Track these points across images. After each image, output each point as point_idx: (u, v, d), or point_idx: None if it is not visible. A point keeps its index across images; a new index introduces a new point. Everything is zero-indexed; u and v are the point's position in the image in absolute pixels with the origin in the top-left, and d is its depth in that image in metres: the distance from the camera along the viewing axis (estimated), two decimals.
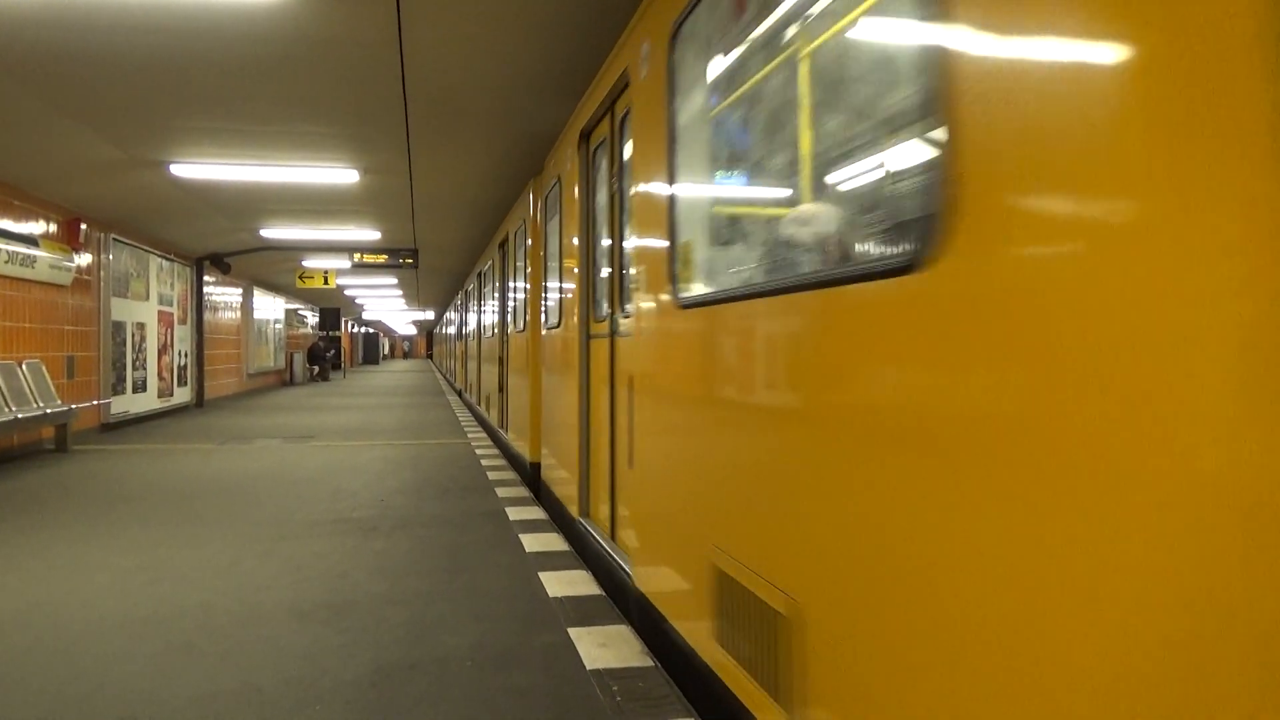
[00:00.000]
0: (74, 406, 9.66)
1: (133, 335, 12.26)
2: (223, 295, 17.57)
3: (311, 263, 17.27)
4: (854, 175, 2.02)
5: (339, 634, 3.38)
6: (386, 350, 68.15)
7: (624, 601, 3.79)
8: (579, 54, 5.30)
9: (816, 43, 2.16)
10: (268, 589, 4.00)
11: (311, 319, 29.78)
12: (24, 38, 5.06)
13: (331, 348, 30.36)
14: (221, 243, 14.15)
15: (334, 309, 30.98)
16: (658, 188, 3.16)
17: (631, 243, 3.67)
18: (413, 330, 65.37)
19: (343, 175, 8.75)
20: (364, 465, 8.05)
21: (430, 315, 41.71)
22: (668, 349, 3.07)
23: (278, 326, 23.47)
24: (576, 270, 5.05)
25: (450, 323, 25.57)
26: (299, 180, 8.99)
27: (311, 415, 14.11)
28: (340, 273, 18.27)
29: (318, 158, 8.17)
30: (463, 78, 5.79)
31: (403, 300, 31.51)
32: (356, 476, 7.35)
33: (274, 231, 13.11)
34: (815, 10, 2.16)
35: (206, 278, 15.78)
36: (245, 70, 5.63)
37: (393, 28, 4.85)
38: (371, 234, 13.32)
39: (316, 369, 27.58)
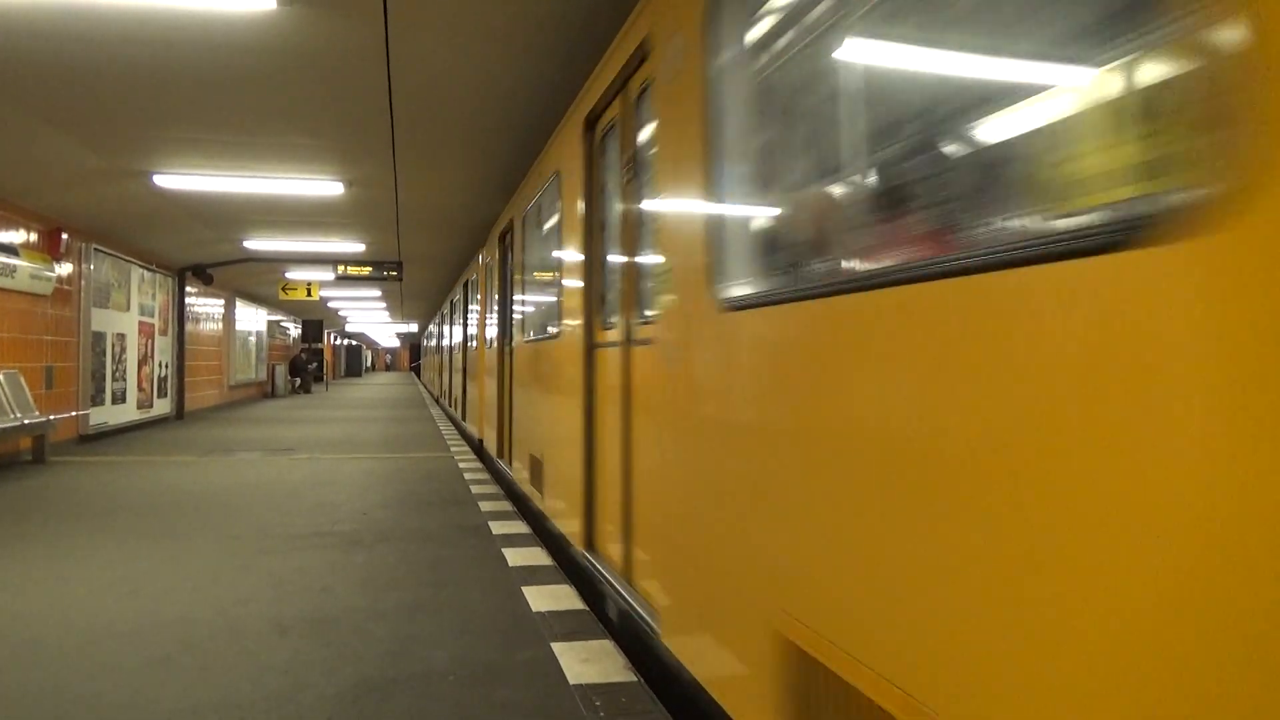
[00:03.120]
0: (52, 417, 9.55)
1: (113, 346, 12.15)
2: (204, 306, 17.45)
3: (295, 274, 17.19)
4: None
5: (320, 648, 3.35)
6: (369, 363, 67.81)
7: None
8: (564, 72, 5.34)
9: None
10: (248, 603, 3.96)
11: (294, 331, 29.59)
12: (7, 46, 5.04)
13: (314, 360, 30.16)
14: (204, 253, 14.07)
15: (316, 321, 30.80)
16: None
17: None
18: (396, 343, 65.09)
19: (328, 187, 8.74)
20: (346, 479, 8.00)
21: (414, 328, 41.55)
22: None
23: (260, 338, 23.31)
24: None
25: (437, 335, 25.45)
26: (284, 192, 8.97)
27: (293, 428, 14.01)
28: (324, 285, 18.20)
29: (303, 170, 8.15)
30: (450, 91, 5.82)
31: (386, 313, 31.39)
32: (339, 490, 7.31)
33: (258, 243, 13.06)
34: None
35: (188, 289, 15.67)
36: (231, 81, 5.62)
37: (380, 40, 4.87)
38: (356, 246, 13.30)
39: (298, 381, 27.38)
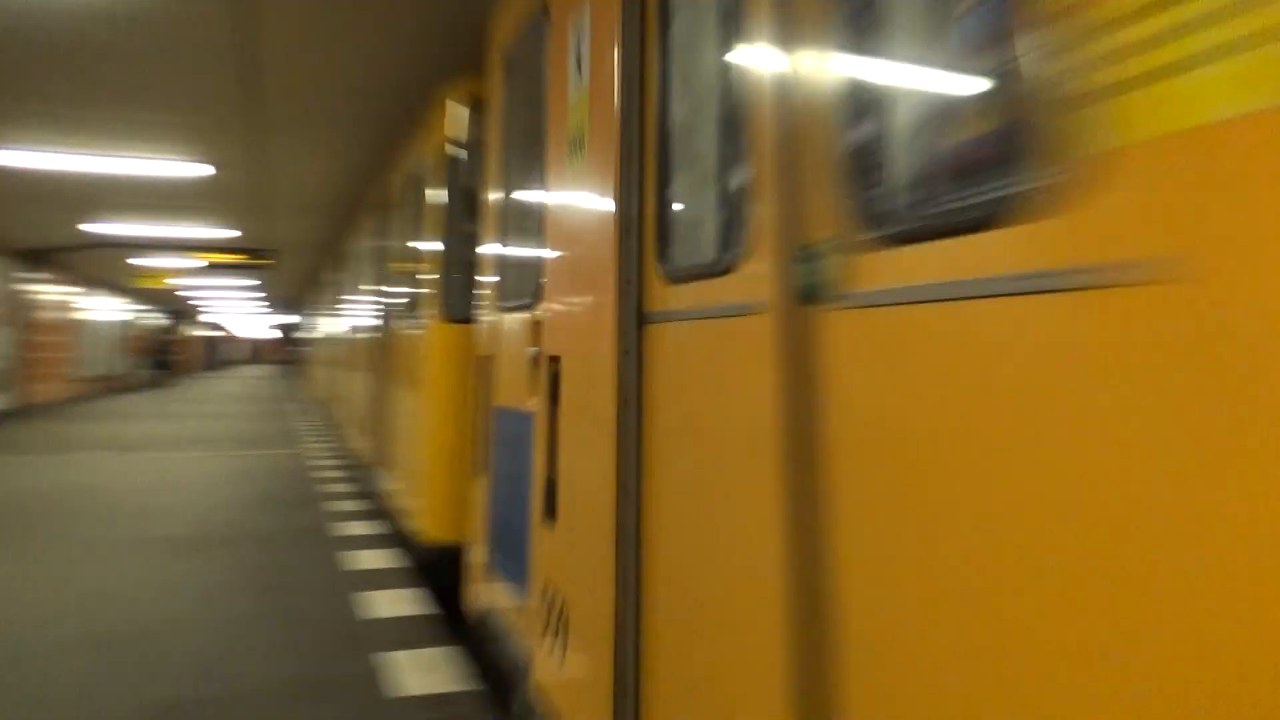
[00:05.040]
0: None
1: None
2: (52, 294, 16.21)
3: (154, 262, 16.15)
4: None
5: (126, 667, 3.15)
6: (242, 354, 64.57)
7: None
8: (440, 52, 5.27)
9: None
10: (60, 618, 3.68)
11: (154, 321, 27.91)
12: None
13: (174, 352, 28.53)
14: (47, 237, 13.05)
15: (178, 311, 29.15)
16: None
17: None
18: (267, 334, 62.23)
19: (194, 169, 8.26)
20: (193, 478, 7.58)
21: (289, 319, 39.89)
22: None
23: (115, 328, 21.89)
24: None
25: (312, 322, 24.25)
26: (142, 173, 8.41)
27: (145, 423, 13.19)
28: (190, 273, 17.19)
29: (163, 149, 7.69)
30: (320, 74, 5.64)
31: (258, 303, 30.02)
32: (181, 491, 6.91)
33: (112, 227, 12.20)
34: None
35: (32, 274, 14.52)
36: (72, 50, 5.26)
37: (241, 10, 4.67)
38: (230, 232, 12.63)
39: (156, 374, 25.87)
